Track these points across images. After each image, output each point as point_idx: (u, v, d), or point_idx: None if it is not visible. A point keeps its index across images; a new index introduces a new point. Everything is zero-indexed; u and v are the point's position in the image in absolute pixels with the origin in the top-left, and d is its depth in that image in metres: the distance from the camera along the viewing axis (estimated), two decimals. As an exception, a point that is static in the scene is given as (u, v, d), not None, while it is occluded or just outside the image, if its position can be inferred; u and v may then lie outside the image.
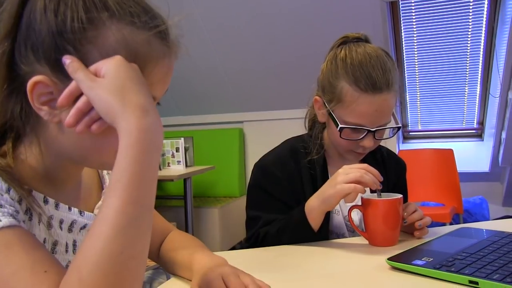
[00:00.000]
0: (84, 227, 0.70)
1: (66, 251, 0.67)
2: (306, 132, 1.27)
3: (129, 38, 0.58)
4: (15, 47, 0.59)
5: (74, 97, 0.57)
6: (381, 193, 1.06)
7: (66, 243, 0.67)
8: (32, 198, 0.60)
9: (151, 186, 0.53)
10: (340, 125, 1.10)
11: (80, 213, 0.69)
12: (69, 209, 0.67)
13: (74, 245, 0.68)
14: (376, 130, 1.09)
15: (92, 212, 0.73)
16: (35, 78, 0.57)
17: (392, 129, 1.15)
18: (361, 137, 1.10)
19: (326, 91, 1.13)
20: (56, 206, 0.65)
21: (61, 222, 0.66)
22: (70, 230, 0.67)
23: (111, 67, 0.55)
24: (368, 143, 1.11)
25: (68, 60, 0.56)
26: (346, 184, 0.99)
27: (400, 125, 1.16)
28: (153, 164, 0.54)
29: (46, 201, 0.63)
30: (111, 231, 0.50)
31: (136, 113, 0.53)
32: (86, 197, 0.74)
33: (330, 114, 1.13)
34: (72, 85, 0.57)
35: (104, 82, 0.54)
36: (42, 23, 0.57)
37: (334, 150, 1.22)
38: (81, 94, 0.56)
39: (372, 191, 1.06)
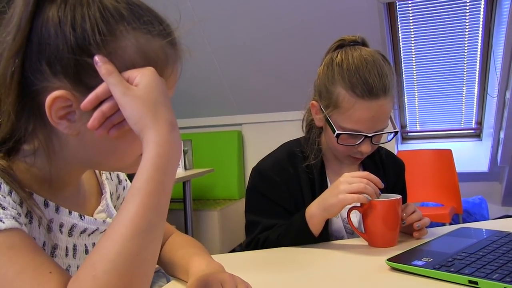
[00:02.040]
0: (84, 231, 0.70)
1: (66, 255, 0.67)
2: (304, 135, 1.27)
3: (146, 47, 0.59)
4: (26, 62, 0.57)
5: (99, 101, 0.57)
6: (381, 194, 1.06)
7: (66, 247, 0.67)
8: (33, 201, 0.60)
9: (169, 195, 0.57)
10: (337, 131, 1.10)
11: (81, 217, 0.68)
12: (70, 213, 0.67)
13: (74, 249, 0.68)
14: (373, 135, 1.09)
15: (92, 216, 0.73)
16: (55, 94, 0.56)
17: (389, 133, 1.15)
18: (358, 142, 1.10)
19: (323, 97, 1.13)
20: (57, 209, 0.65)
21: (61, 226, 0.66)
22: (70, 234, 0.67)
23: (146, 77, 0.57)
24: (365, 148, 1.11)
25: (100, 61, 0.56)
26: (349, 195, 0.99)
27: (397, 129, 1.16)
28: (173, 174, 0.57)
29: (46, 205, 0.63)
30: (131, 233, 0.52)
31: (166, 127, 0.56)
32: (84, 202, 0.74)
33: (327, 119, 1.13)
34: (99, 89, 0.57)
35: (138, 92, 0.56)
36: (58, 37, 0.56)
37: (332, 153, 1.22)
38: (105, 98, 0.57)
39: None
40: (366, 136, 1.09)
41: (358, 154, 1.14)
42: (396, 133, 1.16)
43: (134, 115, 0.56)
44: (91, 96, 0.57)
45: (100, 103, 0.58)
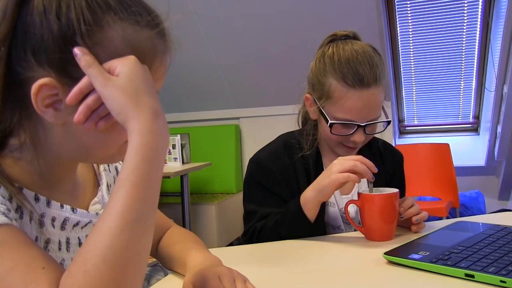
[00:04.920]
0: (77, 224, 0.69)
1: (59, 249, 0.66)
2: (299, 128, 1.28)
3: (134, 38, 0.58)
4: (12, 51, 0.56)
5: (84, 94, 0.57)
6: (379, 188, 1.07)
7: (59, 241, 0.66)
8: (22, 196, 0.59)
9: (157, 185, 0.55)
10: (330, 121, 1.11)
11: (73, 210, 0.68)
12: (61, 206, 0.66)
13: (68, 242, 0.68)
14: (366, 125, 1.11)
15: (87, 209, 0.73)
16: (41, 81, 0.55)
17: (382, 123, 1.16)
18: (352, 132, 1.11)
19: (316, 89, 1.15)
20: (48, 203, 0.64)
21: (53, 219, 0.65)
22: (62, 227, 0.67)
23: (126, 67, 0.56)
24: (359, 138, 1.12)
25: (80, 53, 0.55)
26: (340, 174, 1.00)
27: (390, 119, 1.17)
28: (160, 164, 0.56)
29: (37, 199, 0.63)
30: (119, 226, 0.51)
31: (149, 115, 0.55)
32: (79, 194, 0.73)
33: (320, 111, 1.14)
34: (82, 82, 0.56)
35: (119, 81, 0.55)
36: (43, 26, 0.55)
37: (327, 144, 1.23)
38: (90, 91, 0.57)
39: (368, 184, 1.06)
40: (359, 126, 1.11)
41: (352, 143, 1.15)
42: (388, 122, 1.17)
43: (116, 106, 0.55)
44: (75, 90, 0.56)
45: (86, 96, 0.57)
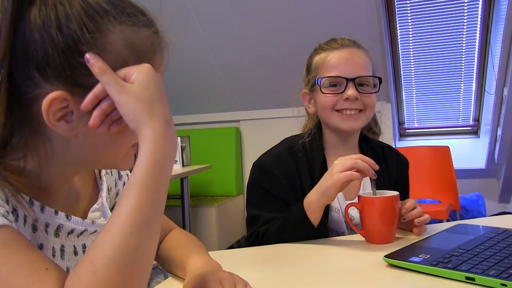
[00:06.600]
0: (71, 232, 0.68)
1: (53, 255, 0.66)
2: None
3: (134, 39, 0.59)
4: (14, 72, 0.56)
5: (98, 100, 0.57)
6: (380, 190, 1.06)
7: (53, 247, 0.66)
8: (20, 196, 0.59)
9: (165, 189, 0.57)
10: (318, 77, 1.18)
11: (67, 218, 0.67)
12: (56, 213, 0.65)
13: (62, 250, 0.67)
14: (355, 79, 1.15)
15: (84, 216, 0.72)
16: (51, 96, 0.55)
17: (372, 78, 1.19)
18: (343, 90, 1.15)
19: (306, 77, 1.24)
20: (42, 209, 0.63)
21: (46, 225, 0.64)
22: (56, 234, 0.66)
23: (142, 75, 0.57)
24: (352, 92, 1.15)
25: (92, 60, 0.55)
26: (342, 173, 1.00)
27: (380, 76, 1.21)
28: (169, 169, 0.57)
29: (31, 203, 0.62)
30: (129, 228, 0.51)
31: (161, 124, 0.57)
32: (75, 201, 0.73)
33: (312, 85, 1.21)
34: (97, 88, 0.57)
35: (134, 89, 0.56)
36: (45, 41, 0.55)
37: (332, 144, 1.22)
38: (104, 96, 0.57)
39: (371, 183, 1.06)
40: (347, 80, 1.15)
41: (347, 104, 1.16)
42: (380, 80, 1.20)
43: (129, 113, 0.56)
44: (90, 96, 0.57)
45: (100, 101, 0.58)
